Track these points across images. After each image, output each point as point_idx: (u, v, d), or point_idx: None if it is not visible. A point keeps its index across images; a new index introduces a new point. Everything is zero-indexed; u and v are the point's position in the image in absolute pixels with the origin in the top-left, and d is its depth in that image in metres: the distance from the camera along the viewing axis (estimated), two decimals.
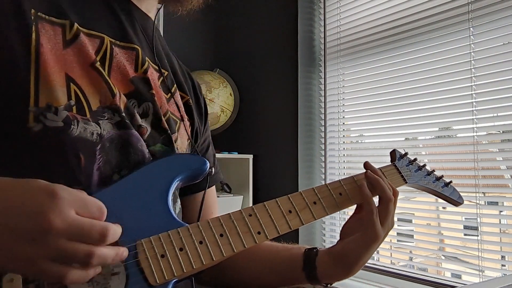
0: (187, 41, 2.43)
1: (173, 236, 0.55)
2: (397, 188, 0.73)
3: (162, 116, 0.68)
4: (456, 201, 0.82)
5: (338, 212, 2.08)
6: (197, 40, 2.48)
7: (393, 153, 0.81)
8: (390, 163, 0.79)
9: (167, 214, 0.57)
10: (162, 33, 2.29)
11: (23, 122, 0.53)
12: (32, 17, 0.56)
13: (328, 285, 0.72)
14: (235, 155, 2.19)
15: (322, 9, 2.12)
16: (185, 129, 0.75)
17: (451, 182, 0.83)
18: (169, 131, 0.68)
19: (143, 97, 0.66)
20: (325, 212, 0.68)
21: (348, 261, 0.69)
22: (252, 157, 2.19)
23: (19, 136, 0.54)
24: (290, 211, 0.65)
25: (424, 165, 0.82)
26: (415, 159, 0.81)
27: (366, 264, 1.80)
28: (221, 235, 0.58)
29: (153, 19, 0.76)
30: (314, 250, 0.73)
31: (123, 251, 0.49)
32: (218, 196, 2.03)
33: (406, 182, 0.77)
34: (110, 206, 0.48)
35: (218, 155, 2.19)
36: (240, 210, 0.62)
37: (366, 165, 0.74)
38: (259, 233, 0.61)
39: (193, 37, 2.46)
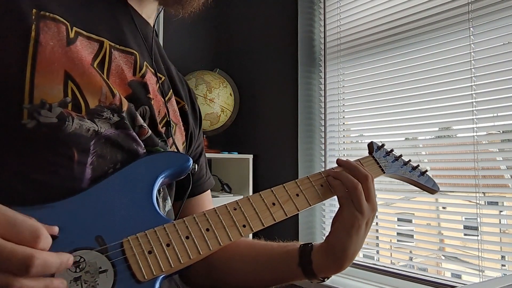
0: (187, 41, 2.43)
1: (159, 232, 0.56)
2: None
3: (158, 121, 0.68)
4: (431, 189, 0.85)
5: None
6: (197, 40, 2.48)
7: (370, 145, 0.83)
8: (368, 155, 0.82)
9: (153, 211, 0.58)
10: (162, 34, 2.31)
11: (17, 119, 0.54)
12: (33, 16, 0.56)
13: (325, 279, 0.73)
14: (235, 155, 2.20)
15: (322, 9, 2.12)
16: (180, 133, 0.75)
17: (426, 171, 0.86)
18: (164, 135, 0.69)
19: (141, 101, 0.66)
20: (308, 203, 0.69)
21: (336, 252, 0.69)
22: (252, 157, 2.20)
23: (13, 133, 0.54)
24: (273, 204, 0.66)
25: (400, 156, 0.85)
26: (392, 150, 0.84)
27: (366, 264, 1.82)
28: (207, 230, 0.59)
29: (152, 25, 0.77)
30: (309, 245, 0.73)
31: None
32: (218, 196, 2.04)
33: (384, 172, 0.80)
34: (97, 205, 0.48)
35: (218, 155, 2.20)
36: (225, 204, 0.63)
37: (338, 161, 0.75)
38: (244, 226, 0.62)
39: (193, 37, 2.46)
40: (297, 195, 0.69)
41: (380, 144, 0.84)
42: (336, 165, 0.76)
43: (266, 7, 2.32)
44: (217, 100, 2.16)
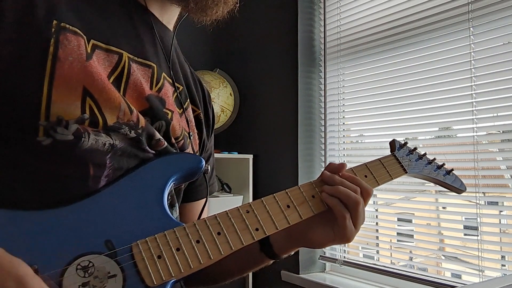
0: (187, 41, 2.42)
1: (169, 236, 0.55)
2: (397, 179, 0.72)
3: (173, 135, 0.67)
4: (458, 189, 0.81)
5: None
6: (197, 40, 2.48)
7: (392, 143, 0.79)
8: (390, 154, 0.78)
9: (163, 214, 0.57)
10: None
11: (32, 136, 0.53)
12: (53, 29, 0.55)
13: (290, 254, 0.73)
14: (235, 155, 2.19)
15: (322, 9, 2.12)
16: (195, 144, 0.75)
17: (452, 170, 0.82)
18: (176, 145, 0.68)
19: (157, 116, 0.65)
20: (324, 206, 0.67)
21: (302, 238, 0.69)
22: (252, 157, 2.19)
23: (29, 150, 0.53)
24: (288, 206, 0.64)
25: (425, 154, 0.81)
26: (415, 148, 0.80)
27: (366, 264, 1.82)
28: (219, 233, 0.58)
29: (172, 30, 0.75)
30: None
31: None
32: (218, 196, 2.04)
33: (406, 172, 0.76)
34: (106, 208, 0.47)
35: (218, 155, 2.19)
36: (237, 207, 0.61)
37: (330, 166, 0.70)
38: (257, 229, 0.60)
39: (193, 37, 2.46)
40: (313, 196, 0.66)
41: (402, 142, 0.80)
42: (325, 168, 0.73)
43: (266, 7, 2.31)
44: (217, 100, 2.16)
